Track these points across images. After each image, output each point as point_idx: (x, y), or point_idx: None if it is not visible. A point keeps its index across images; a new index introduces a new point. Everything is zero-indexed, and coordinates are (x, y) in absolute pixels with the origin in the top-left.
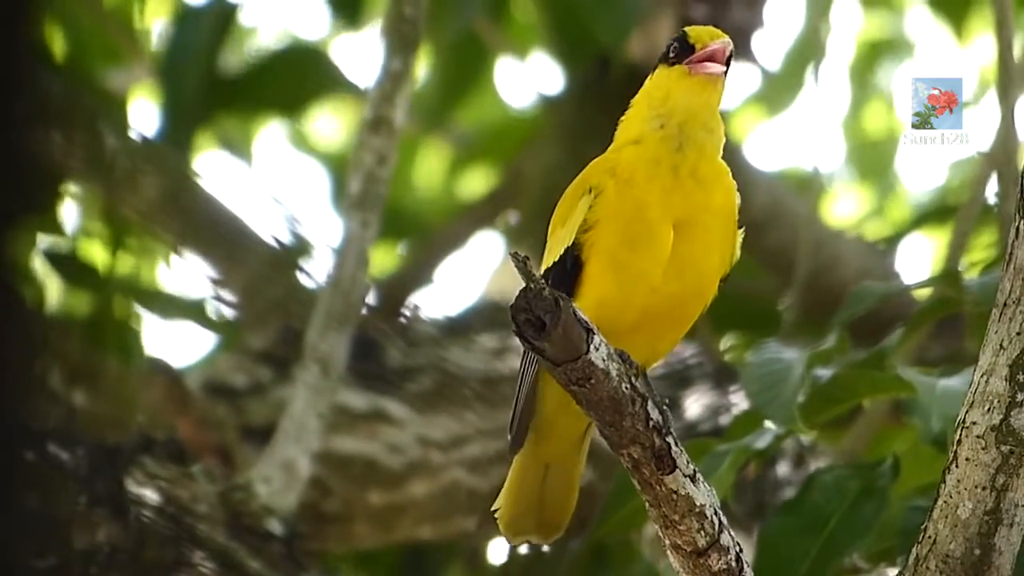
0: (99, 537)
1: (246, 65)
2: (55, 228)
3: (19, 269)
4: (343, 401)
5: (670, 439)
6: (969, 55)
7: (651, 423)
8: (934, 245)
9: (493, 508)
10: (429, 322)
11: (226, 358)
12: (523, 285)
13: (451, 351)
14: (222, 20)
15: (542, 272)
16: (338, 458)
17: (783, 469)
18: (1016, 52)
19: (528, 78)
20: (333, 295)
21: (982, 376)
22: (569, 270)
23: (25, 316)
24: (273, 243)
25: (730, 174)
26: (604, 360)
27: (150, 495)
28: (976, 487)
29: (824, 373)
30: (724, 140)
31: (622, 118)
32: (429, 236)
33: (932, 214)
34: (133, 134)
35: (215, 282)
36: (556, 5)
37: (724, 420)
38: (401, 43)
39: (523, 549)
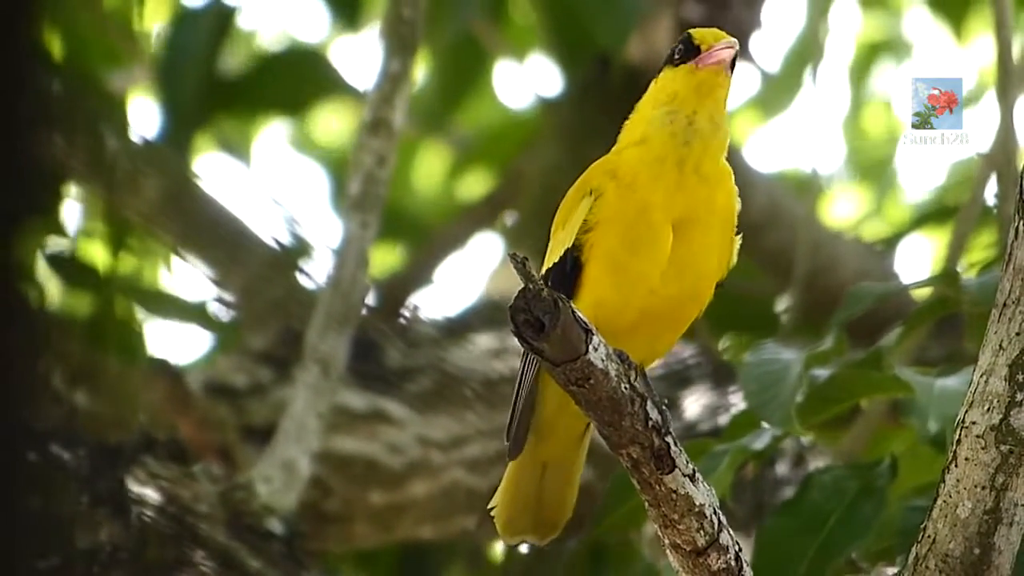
0: (101, 537)
1: (245, 67)
2: (57, 230)
3: (22, 270)
4: (343, 401)
5: (669, 439)
6: (968, 55)
7: (650, 423)
8: (933, 246)
9: (489, 506)
10: (429, 323)
11: (226, 359)
12: (522, 286)
13: (451, 351)
14: (221, 22)
15: (543, 273)
16: (338, 458)
17: (782, 469)
18: (1015, 53)
19: (527, 80)
20: (333, 296)
21: (981, 376)
22: (569, 271)
23: (27, 317)
24: (273, 244)
25: (733, 177)
26: (603, 360)
27: (151, 495)
28: (976, 486)
29: (822, 373)
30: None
31: (626, 121)
32: (429, 237)
33: (931, 215)
34: (133, 136)
35: (215, 283)
36: (555, 6)
37: (723, 420)
38: (400, 45)
39: (523, 548)
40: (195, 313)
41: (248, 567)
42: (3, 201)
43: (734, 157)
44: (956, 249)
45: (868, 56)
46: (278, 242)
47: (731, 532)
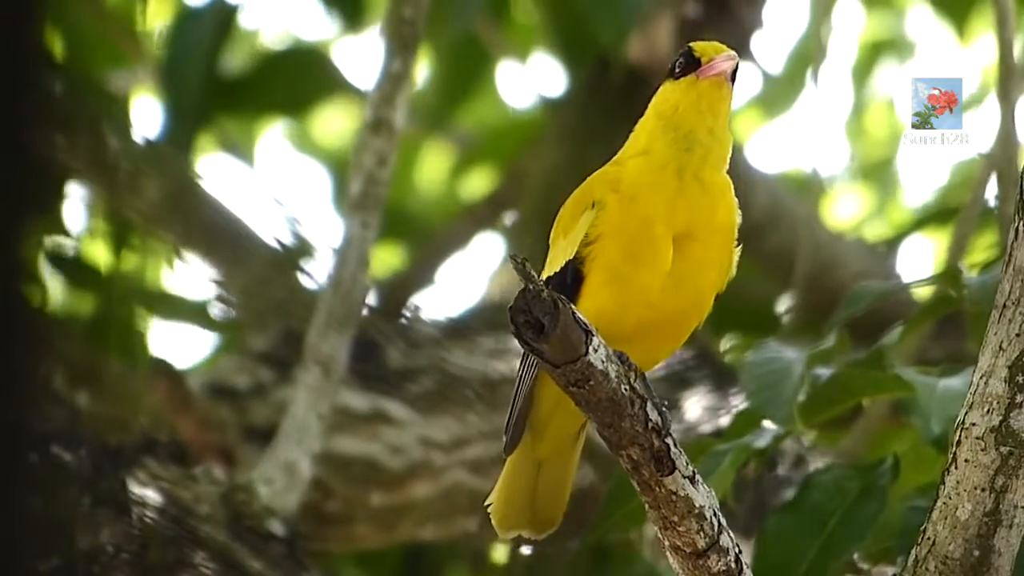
0: (102, 538)
1: (247, 66)
2: (60, 230)
3: (24, 270)
4: (344, 402)
5: (669, 440)
6: (971, 55)
7: (650, 424)
8: (935, 246)
9: (486, 503)
10: (430, 323)
11: (228, 359)
12: (522, 287)
13: (452, 352)
14: (223, 21)
15: (543, 281)
16: (339, 459)
17: (783, 469)
18: (1017, 53)
19: (530, 80)
20: (334, 296)
21: (981, 378)
22: (570, 283)
23: (29, 317)
24: (275, 244)
25: (733, 189)
26: (603, 362)
27: (152, 496)
28: (975, 488)
29: (823, 372)
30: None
31: (631, 133)
32: (431, 237)
33: (933, 216)
34: (135, 135)
35: (217, 283)
36: (556, 6)
37: (724, 421)
38: (401, 44)
39: (526, 549)
40: (197, 314)
41: (249, 568)
42: (5, 201)
43: (736, 157)
44: (957, 249)
45: (871, 56)
46: (280, 242)
47: (731, 534)
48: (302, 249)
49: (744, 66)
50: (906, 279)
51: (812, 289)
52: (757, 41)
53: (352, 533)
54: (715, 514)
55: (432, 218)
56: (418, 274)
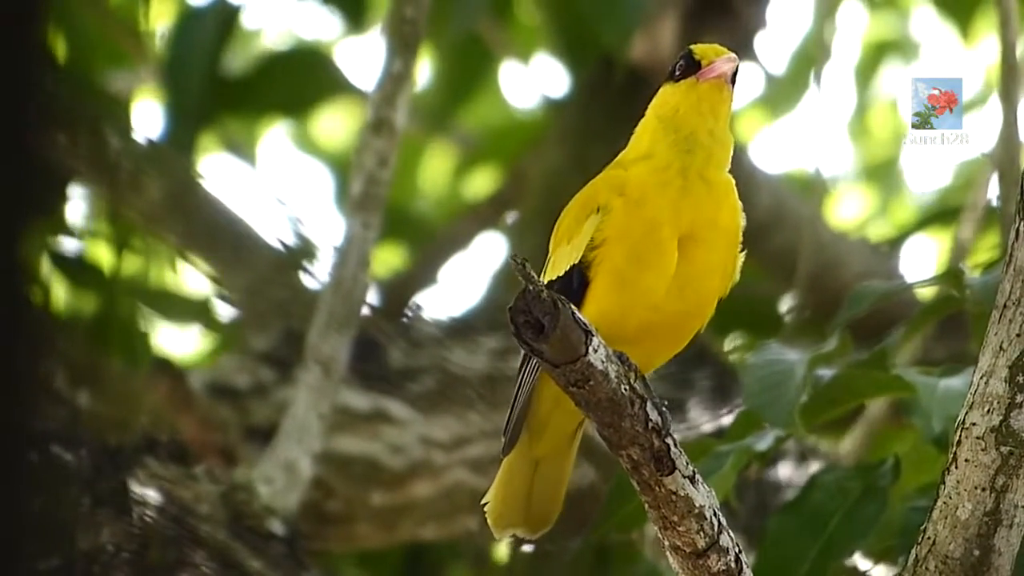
0: (102, 538)
1: (250, 67)
2: (62, 230)
3: (27, 270)
4: (345, 401)
5: (669, 440)
6: (975, 56)
7: (650, 424)
8: (939, 246)
9: (482, 502)
10: (432, 322)
11: (229, 359)
12: (521, 287)
13: (454, 351)
14: (225, 22)
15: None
16: (340, 458)
17: (785, 470)
18: (1019, 53)
19: (532, 80)
20: (334, 297)
21: (982, 378)
22: (576, 288)
23: (31, 317)
24: (277, 244)
25: (736, 191)
26: (603, 362)
27: (153, 495)
28: (976, 488)
29: (825, 374)
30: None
31: (632, 136)
32: (433, 237)
33: (936, 215)
34: (137, 136)
35: (218, 283)
36: (558, 6)
37: (727, 422)
38: (402, 44)
39: (528, 549)
40: (198, 313)
41: (249, 568)
42: (8, 201)
43: (739, 157)
44: (959, 250)
45: (875, 56)
46: (282, 242)
47: (731, 534)
48: (304, 249)
49: (746, 66)
50: (909, 279)
51: (815, 289)
52: (760, 41)
53: (353, 532)
54: (715, 514)
55: (436, 218)
56: (421, 274)
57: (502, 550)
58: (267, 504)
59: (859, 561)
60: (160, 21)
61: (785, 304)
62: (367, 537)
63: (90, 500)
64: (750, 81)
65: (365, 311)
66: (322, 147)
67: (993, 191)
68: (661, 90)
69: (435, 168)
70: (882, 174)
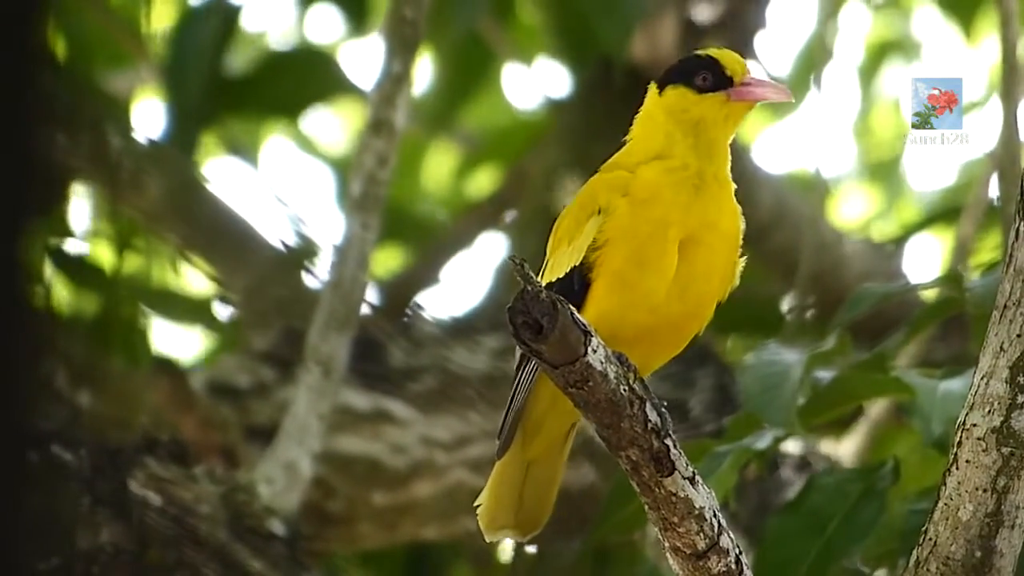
0: (102, 538)
1: (251, 66)
2: (63, 229)
3: (27, 270)
4: (347, 401)
5: (669, 441)
6: (978, 55)
7: (649, 425)
8: (942, 246)
9: (475, 504)
10: (433, 322)
11: (230, 358)
12: (520, 288)
13: (455, 351)
14: (226, 21)
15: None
16: (342, 458)
17: (786, 470)
18: (1020, 53)
19: (535, 80)
20: (334, 297)
21: (982, 378)
22: (577, 290)
23: (31, 317)
24: (278, 244)
25: (734, 192)
26: (602, 362)
27: (153, 496)
28: (977, 489)
29: (824, 375)
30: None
31: (632, 134)
32: (435, 237)
33: (940, 215)
34: (138, 136)
35: (219, 283)
36: (559, 6)
37: (728, 421)
38: (402, 45)
39: (531, 549)
40: (199, 313)
41: (249, 568)
42: (8, 201)
43: (742, 157)
44: (961, 250)
45: (878, 56)
46: (283, 242)
47: (732, 535)
48: (306, 249)
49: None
50: (912, 279)
51: (818, 289)
52: (760, 40)
53: (354, 533)
54: (715, 515)
55: (439, 218)
56: (422, 273)
57: (504, 551)
58: (267, 504)
59: (860, 567)
60: (161, 21)
61: (787, 304)
62: (368, 537)
63: (90, 500)
64: None
65: (365, 311)
66: (324, 147)
67: (995, 190)
68: (675, 93)
69: (438, 168)
70: (885, 174)
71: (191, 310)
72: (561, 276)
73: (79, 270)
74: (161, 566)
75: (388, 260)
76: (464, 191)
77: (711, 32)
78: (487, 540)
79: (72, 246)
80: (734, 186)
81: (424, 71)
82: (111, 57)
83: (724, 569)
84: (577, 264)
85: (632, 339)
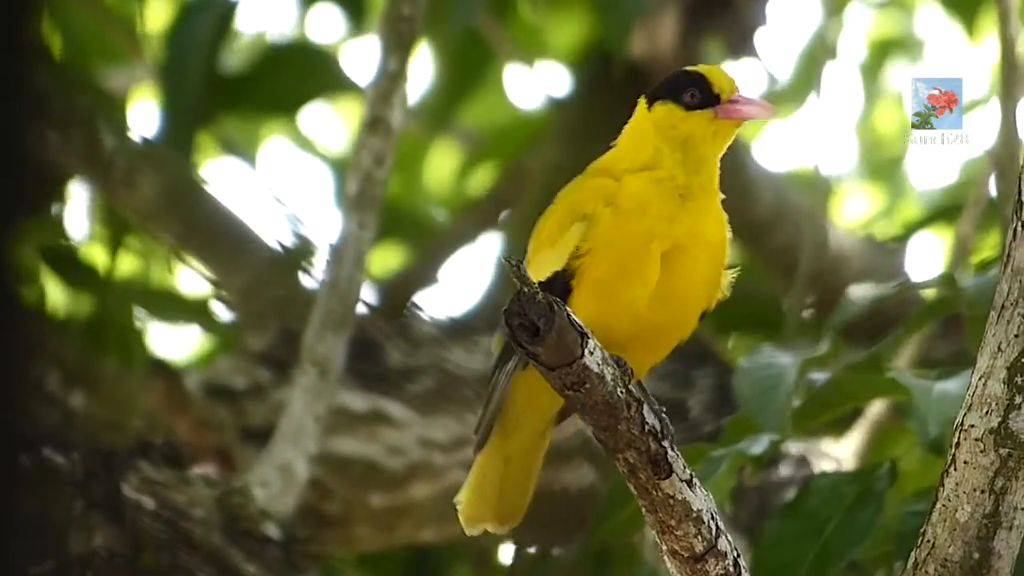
0: (95, 542)
1: (248, 64)
2: (56, 229)
3: (18, 270)
4: (343, 402)
5: (666, 444)
6: (980, 53)
7: (647, 427)
8: (944, 244)
9: (456, 500)
10: (431, 322)
11: (225, 359)
12: (516, 289)
13: (453, 351)
14: (222, 18)
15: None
16: (338, 460)
17: (786, 472)
18: (1019, 50)
19: (536, 78)
20: (330, 297)
21: (980, 379)
22: (558, 295)
23: (24, 318)
24: (275, 244)
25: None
26: (599, 364)
27: (146, 499)
28: (975, 490)
29: (819, 377)
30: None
31: (621, 142)
32: (435, 236)
33: (941, 213)
34: (132, 134)
35: (215, 283)
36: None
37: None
38: (398, 43)
39: (531, 550)
40: (195, 313)
41: (244, 572)
42: (1, 201)
43: (742, 156)
44: (960, 249)
45: (880, 54)
46: (279, 242)
47: (729, 538)
48: (303, 248)
49: (746, 63)
50: (911, 278)
51: (819, 287)
52: (759, 37)
53: (352, 535)
54: (713, 517)
55: (441, 217)
56: (420, 273)
57: (504, 553)
58: (263, 508)
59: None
60: (157, 18)
61: (787, 303)
62: (366, 539)
63: (83, 504)
64: (753, 79)
65: (362, 311)
66: (323, 146)
67: (995, 189)
68: (666, 110)
69: (440, 167)
70: (888, 172)
71: (186, 311)
72: (543, 280)
73: (72, 270)
74: (155, 570)
75: (387, 259)
76: (466, 190)
77: (711, 30)
78: (467, 534)
79: (65, 245)
80: (722, 196)
81: (424, 69)
82: (106, 55)
83: (722, 572)
84: (560, 270)
85: (614, 346)
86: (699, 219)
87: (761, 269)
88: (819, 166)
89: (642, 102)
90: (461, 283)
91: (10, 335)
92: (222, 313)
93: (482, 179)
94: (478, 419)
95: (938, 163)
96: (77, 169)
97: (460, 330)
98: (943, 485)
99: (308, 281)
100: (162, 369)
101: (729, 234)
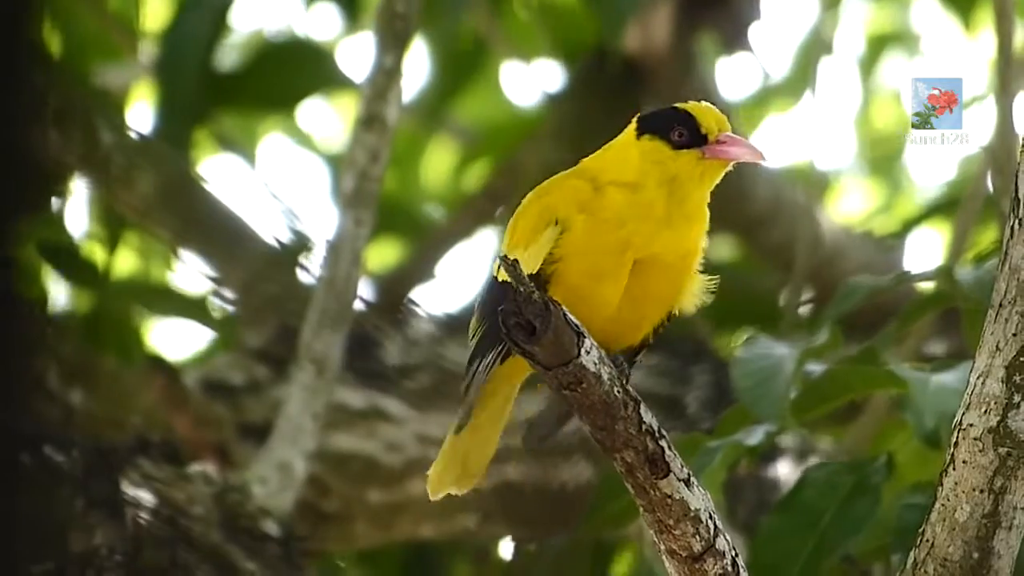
0: (95, 540)
1: (244, 61)
2: (55, 226)
3: (17, 267)
4: (341, 399)
5: (663, 443)
6: (977, 48)
7: (644, 426)
8: (942, 239)
9: (428, 472)
10: (428, 319)
11: (224, 356)
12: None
13: (450, 348)
14: (219, 16)
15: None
16: (337, 456)
17: (784, 466)
18: (1016, 45)
19: (530, 74)
20: (327, 294)
21: (978, 378)
22: None
23: (22, 314)
24: (272, 240)
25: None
26: (595, 364)
27: (146, 497)
28: (974, 490)
29: (816, 369)
30: None
31: (607, 155)
32: (431, 232)
33: (939, 208)
34: (130, 131)
35: (213, 279)
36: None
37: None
38: (393, 39)
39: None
40: (193, 310)
41: (243, 570)
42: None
43: None
44: (958, 244)
45: (877, 48)
46: (277, 239)
47: (727, 537)
48: (301, 245)
49: (741, 58)
50: (907, 273)
51: (816, 282)
52: (753, 32)
53: (351, 532)
54: (711, 517)
55: (437, 213)
56: (417, 269)
57: (503, 548)
58: (261, 505)
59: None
60: (154, 16)
61: (784, 298)
62: (365, 536)
63: (83, 502)
64: (748, 74)
65: (359, 308)
66: (320, 143)
67: (992, 184)
68: (654, 147)
69: (436, 163)
70: (886, 167)
71: (184, 307)
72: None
73: (72, 267)
74: (155, 568)
75: (384, 255)
76: (462, 186)
77: (706, 25)
78: (431, 499)
79: (65, 243)
80: (707, 214)
81: (420, 66)
82: (104, 52)
83: (720, 571)
84: (532, 273)
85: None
86: (675, 237)
87: (758, 265)
88: (815, 161)
89: (632, 128)
90: (457, 279)
91: (10, 332)
92: (220, 309)
93: (478, 175)
94: (460, 406)
95: (936, 159)
96: (76, 166)
97: (457, 326)
98: (942, 484)
99: (305, 277)
100: (161, 366)
101: (705, 242)
